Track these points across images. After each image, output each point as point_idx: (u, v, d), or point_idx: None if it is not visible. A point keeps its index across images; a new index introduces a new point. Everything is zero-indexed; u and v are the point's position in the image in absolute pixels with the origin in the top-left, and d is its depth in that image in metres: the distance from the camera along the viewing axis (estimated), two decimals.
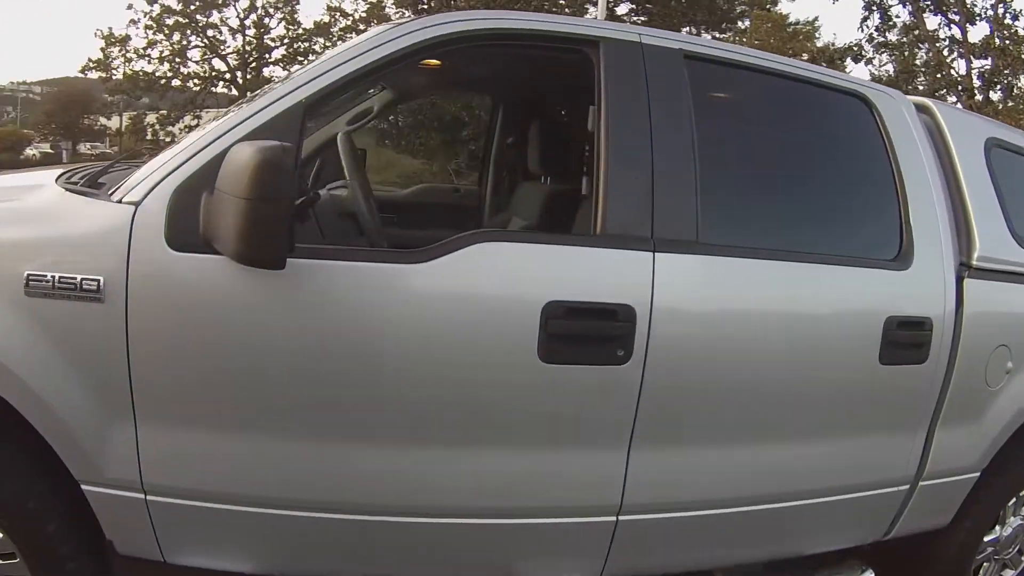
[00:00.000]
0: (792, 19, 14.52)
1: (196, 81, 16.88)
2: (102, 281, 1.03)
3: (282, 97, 1.11)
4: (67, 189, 1.18)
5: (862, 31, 12.93)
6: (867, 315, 1.30)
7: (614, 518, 1.22)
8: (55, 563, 1.12)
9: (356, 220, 1.42)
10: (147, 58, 15.79)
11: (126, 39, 15.73)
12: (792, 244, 1.31)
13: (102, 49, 15.90)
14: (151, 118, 17.27)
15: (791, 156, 1.44)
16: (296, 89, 1.11)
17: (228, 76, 17.17)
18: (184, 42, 16.31)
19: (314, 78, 1.12)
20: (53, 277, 1.02)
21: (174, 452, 1.10)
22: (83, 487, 1.10)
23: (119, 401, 1.06)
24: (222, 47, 16.85)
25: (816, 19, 20.05)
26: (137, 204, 1.06)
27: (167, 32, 15.93)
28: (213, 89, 17.05)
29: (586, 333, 1.15)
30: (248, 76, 16.83)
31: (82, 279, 1.02)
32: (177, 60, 16.19)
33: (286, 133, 1.07)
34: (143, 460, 1.09)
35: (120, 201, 1.08)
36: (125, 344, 1.04)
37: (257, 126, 1.08)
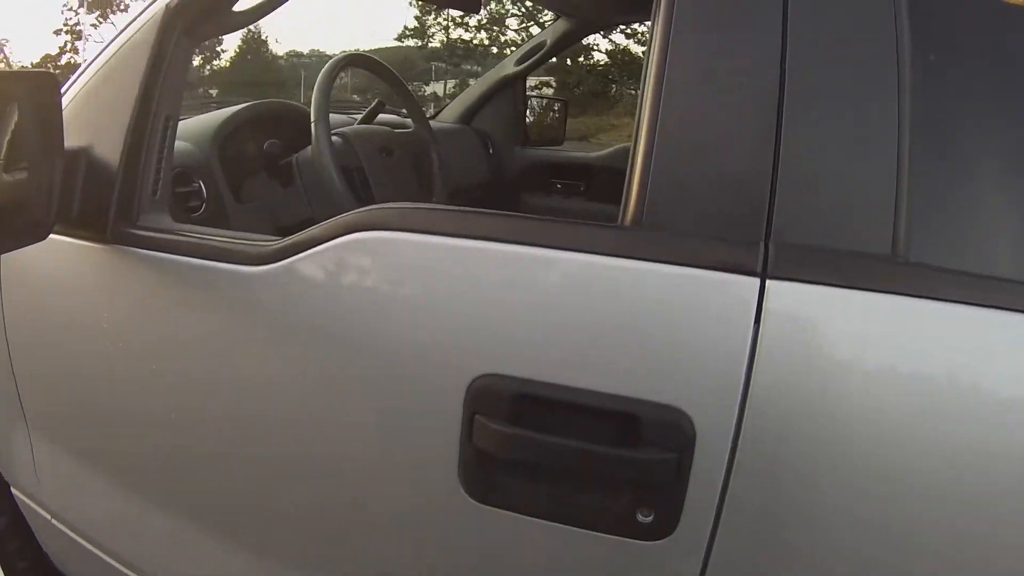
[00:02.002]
0: None
1: (513, 49, 18.19)
2: None
3: (151, 4, 0.75)
4: None
5: None
6: None
7: None
8: (6, 559, 1.06)
9: (349, 178, 1.01)
10: (464, 26, 17.46)
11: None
12: None
13: (417, 18, 18.06)
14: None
15: None
16: None
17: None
18: (503, 10, 17.53)
19: None
20: None
21: (60, 475, 0.91)
22: (11, 489, 0.99)
23: (12, 403, 0.91)
24: (540, 14, 17.71)
25: None
26: None
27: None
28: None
29: (563, 460, 0.54)
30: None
31: None
32: (495, 28, 17.56)
33: (140, 51, 0.73)
34: (40, 477, 0.93)
35: None
36: (4, 334, 0.86)
37: (118, 48, 0.76)
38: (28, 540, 1.03)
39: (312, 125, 0.97)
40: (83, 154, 0.74)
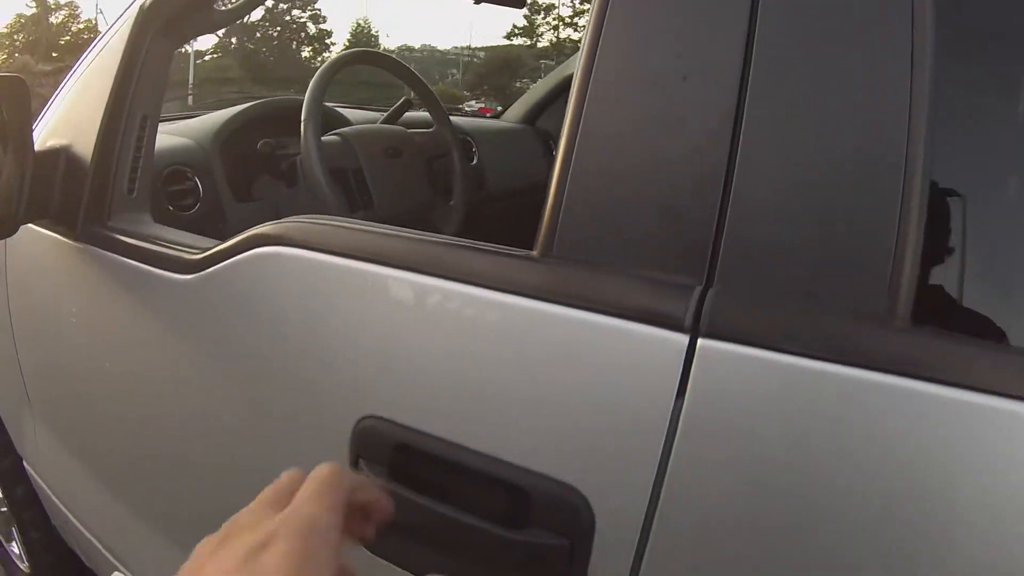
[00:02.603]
0: None
1: None
2: None
3: (130, 5, 0.76)
4: None
5: None
6: None
7: None
8: (22, 526, 1.14)
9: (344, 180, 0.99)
10: (573, 26, 17.30)
11: (551, 7, 17.55)
12: None
13: (526, 17, 18.08)
14: None
15: None
16: None
17: None
18: None
19: None
20: None
21: (53, 453, 0.95)
22: (24, 463, 1.06)
23: (19, 383, 0.97)
24: None
25: None
26: None
27: None
28: None
29: (439, 528, 0.47)
30: None
31: None
32: None
33: (115, 51, 0.75)
34: (43, 457, 0.98)
35: None
36: (10, 319, 0.92)
37: (101, 49, 0.78)
38: (42, 511, 1.11)
39: (302, 124, 0.95)
40: (62, 153, 0.76)
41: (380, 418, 0.48)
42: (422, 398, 0.47)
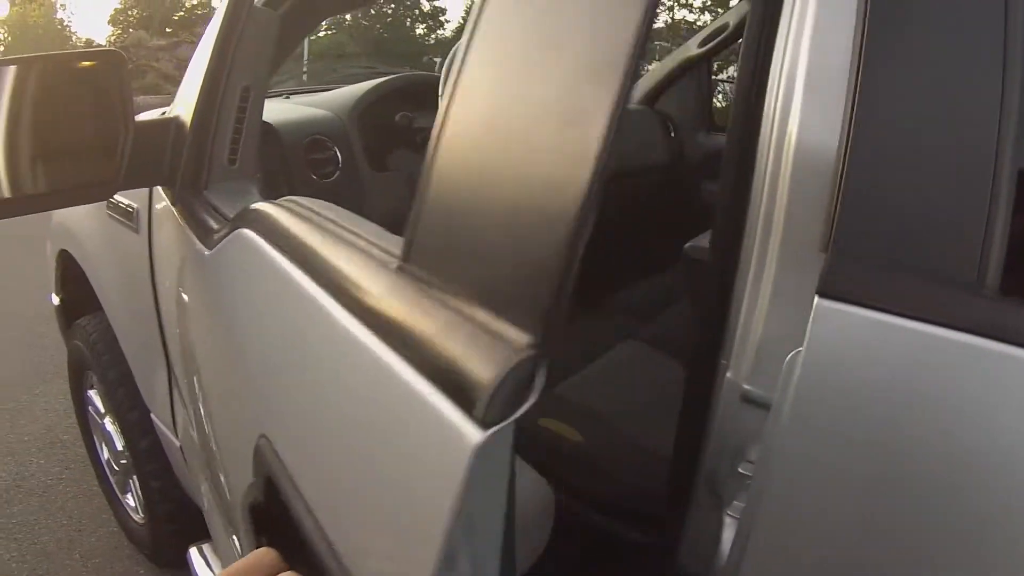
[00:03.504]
0: None
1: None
2: (137, 209, 1.03)
3: None
4: None
5: None
6: None
7: None
8: (143, 477, 1.29)
9: None
10: (688, 7, 15.18)
11: None
12: None
13: None
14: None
15: None
16: None
17: None
18: None
19: None
20: (117, 199, 1.06)
21: (179, 407, 1.04)
22: (152, 415, 1.19)
23: (155, 336, 1.09)
24: None
25: None
26: None
27: None
28: None
29: None
30: None
31: (127, 204, 1.05)
32: (719, 9, 14.94)
33: (216, 23, 0.79)
34: (175, 408, 1.09)
35: None
36: (151, 277, 1.04)
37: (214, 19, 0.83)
38: (164, 464, 1.22)
39: (439, 98, 0.92)
40: (172, 122, 0.83)
41: (267, 439, 0.40)
42: (287, 424, 0.38)
